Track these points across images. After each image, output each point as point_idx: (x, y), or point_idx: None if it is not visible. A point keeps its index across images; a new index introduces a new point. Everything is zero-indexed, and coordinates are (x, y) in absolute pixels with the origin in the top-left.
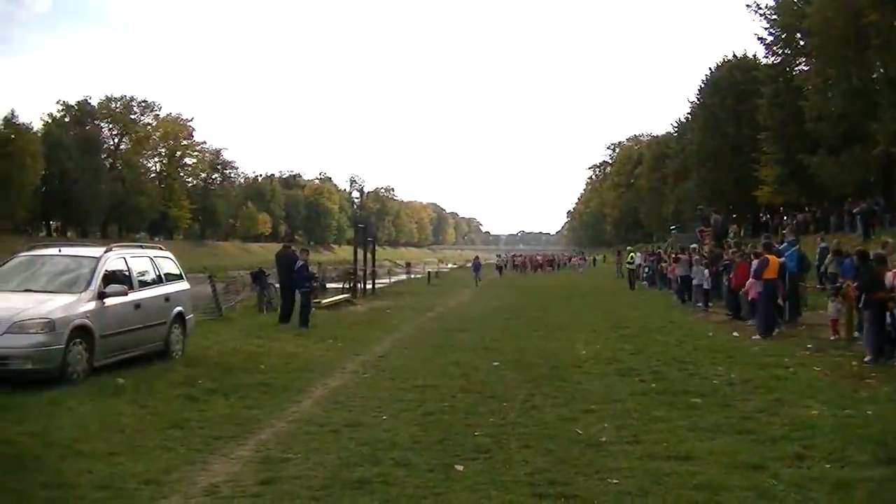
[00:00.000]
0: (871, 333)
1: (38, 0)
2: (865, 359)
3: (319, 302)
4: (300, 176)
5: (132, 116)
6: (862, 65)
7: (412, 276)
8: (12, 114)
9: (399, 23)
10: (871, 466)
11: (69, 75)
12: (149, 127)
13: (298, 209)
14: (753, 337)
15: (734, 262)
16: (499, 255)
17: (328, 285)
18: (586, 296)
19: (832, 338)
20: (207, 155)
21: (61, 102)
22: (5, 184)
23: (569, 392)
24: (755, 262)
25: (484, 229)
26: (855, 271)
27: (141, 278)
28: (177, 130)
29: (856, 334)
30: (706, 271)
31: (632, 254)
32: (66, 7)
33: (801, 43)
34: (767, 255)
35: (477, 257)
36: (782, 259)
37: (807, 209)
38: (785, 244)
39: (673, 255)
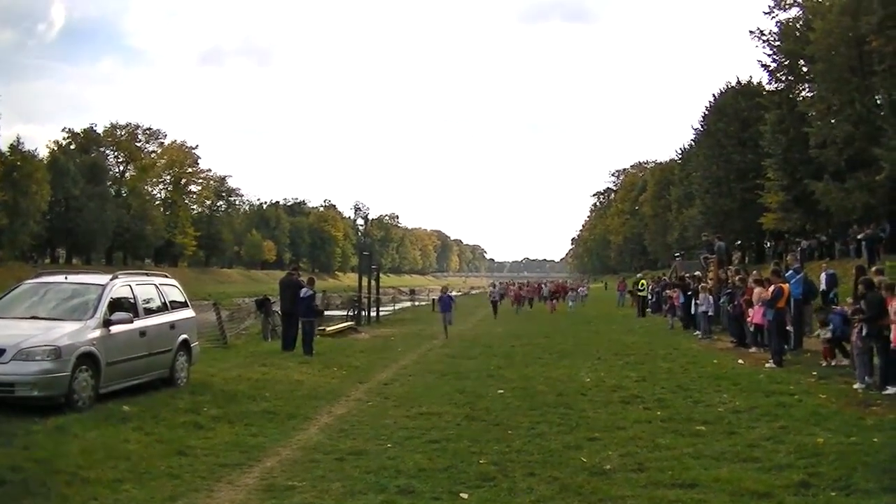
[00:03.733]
0: (882, 363)
1: (47, 29)
2: (855, 385)
3: (324, 329)
4: (305, 203)
5: (137, 144)
6: (865, 91)
7: (416, 303)
8: (18, 140)
9: (403, 51)
10: (877, 494)
11: (76, 103)
12: (154, 154)
13: (303, 236)
14: (767, 365)
15: (739, 288)
16: (493, 285)
17: (333, 313)
18: (591, 323)
19: (822, 363)
20: (212, 182)
21: (67, 130)
22: (12, 210)
23: (573, 420)
24: (770, 290)
25: (488, 256)
26: (860, 299)
27: (146, 306)
28: (182, 158)
29: (845, 362)
30: (710, 298)
31: (642, 280)
32: (74, 36)
33: (805, 69)
34: (781, 284)
35: (445, 288)
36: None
37: (812, 235)
38: (790, 272)
39: (672, 281)
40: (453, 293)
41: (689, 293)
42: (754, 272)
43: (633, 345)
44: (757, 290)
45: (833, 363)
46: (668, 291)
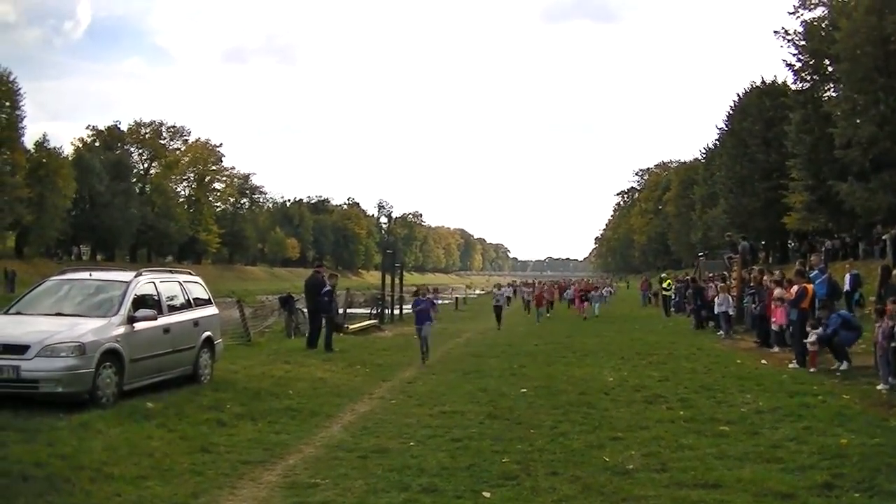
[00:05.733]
0: None
1: (74, 28)
2: (879, 386)
3: (347, 328)
4: (329, 201)
5: (161, 141)
6: (890, 91)
7: (439, 301)
8: (44, 138)
9: (427, 49)
10: None
11: (101, 101)
12: (178, 152)
13: (327, 234)
14: (790, 365)
15: (763, 288)
16: (498, 286)
17: (356, 311)
18: (614, 322)
19: (811, 370)
20: (236, 180)
21: (91, 127)
22: (38, 207)
23: (596, 419)
24: (794, 290)
25: (511, 255)
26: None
27: (170, 303)
28: (206, 155)
29: (843, 365)
30: (730, 298)
31: (668, 280)
32: (99, 35)
33: (830, 69)
34: (805, 285)
35: (423, 290)
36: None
37: (836, 236)
38: (815, 272)
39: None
40: (478, 291)
41: (701, 293)
42: (777, 272)
43: (656, 344)
44: (777, 290)
45: (812, 370)
46: (690, 291)
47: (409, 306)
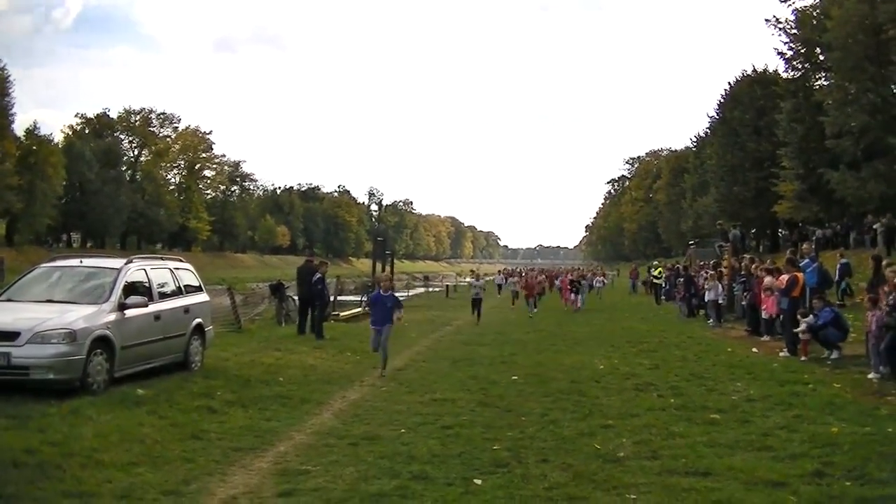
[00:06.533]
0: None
1: (64, 15)
2: (870, 375)
3: (338, 315)
4: (319, 188)
5: (151, 129)
6: (882, 80)
7: (430, 289)
8: (34, 125)
9: (419, 37)
10: (891, 484)
11: (91, 89)
12: (168, 139)
13: (317, 222)
14: (781, 354)
15: (755, 276)
16: (476, 277)
17: (346, 298)
18: (604, 311)
19: (802, 359)
20: (226, 167)
21: (80, 115)
22: (28, 195)
23: (587, 407)
24: (785, 278)
25: (502, 243)
26: (874, 287)
27: (161, 290)
28: (196, 143)
29: (833, 354)
30: (720, 286)
31: (659, 268)
32: (90, 23)
33: (821, 58)
34: (796, 273)
35: (387, 282)
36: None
37: (827, 225)
38: (806, 260)
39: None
40: (468, 279)
41: (692, 282)
42: (767, 261)
43: (646, 332)
44: (767, 279)
45: (803, 358)
46: (679, 280)
47: (405, 289)
